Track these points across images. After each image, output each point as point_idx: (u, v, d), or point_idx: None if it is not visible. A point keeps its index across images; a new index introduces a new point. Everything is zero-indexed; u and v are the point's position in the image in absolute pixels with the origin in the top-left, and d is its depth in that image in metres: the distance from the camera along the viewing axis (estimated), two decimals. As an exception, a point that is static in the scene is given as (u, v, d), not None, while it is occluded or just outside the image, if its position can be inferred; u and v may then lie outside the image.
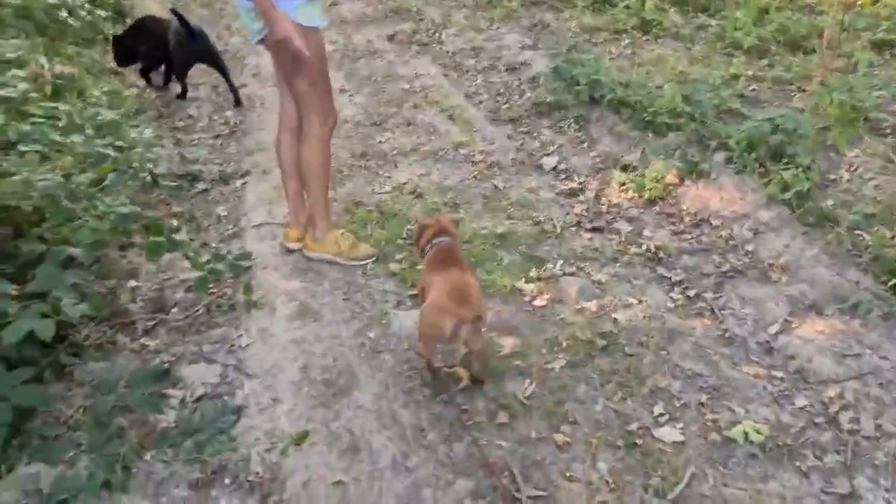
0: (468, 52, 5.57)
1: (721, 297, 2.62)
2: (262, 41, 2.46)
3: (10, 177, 2.28)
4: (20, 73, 3.70)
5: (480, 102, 4.69)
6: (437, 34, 6.00)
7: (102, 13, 5.60)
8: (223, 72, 4.72)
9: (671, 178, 3.33)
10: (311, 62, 2.45)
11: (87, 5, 5.66)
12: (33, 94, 3.33)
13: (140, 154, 3.44)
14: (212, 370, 2.25)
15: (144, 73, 4.89)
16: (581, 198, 3.40)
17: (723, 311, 2.53)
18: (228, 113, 4.61)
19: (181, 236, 3.06)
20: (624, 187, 3.41)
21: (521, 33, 5.87)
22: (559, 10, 6.27)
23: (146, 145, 3.63)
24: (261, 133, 4.23)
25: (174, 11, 4.64)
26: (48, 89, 3.71)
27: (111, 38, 4.80)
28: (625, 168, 3.60)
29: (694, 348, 2.35)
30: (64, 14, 5.25)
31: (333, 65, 5.21)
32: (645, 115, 3.88)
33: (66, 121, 3.24)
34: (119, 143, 3.40)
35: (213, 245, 3.04)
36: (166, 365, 2.23)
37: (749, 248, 2.86)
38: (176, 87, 4.94)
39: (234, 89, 4.73)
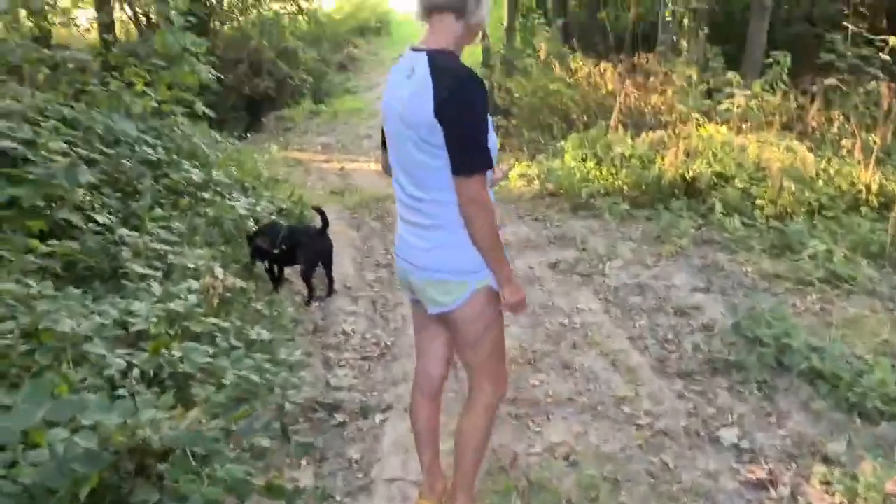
0: (633, 289, 5.21)
1: None
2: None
3: (145, 412, 2.10)
4: (195, 284, 3.76)
5: (646, 348, 4.23)
6: (600, 266, 5.73)
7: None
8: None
9: (892, 487, 2.63)
10: (499, 328, 2.24)
11: (273, 216, 6.00)
12: (198, 309, 3.32)
13: (285, 378, 3.27)
14: None
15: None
16: (772, 494, 2.75)
17: None
18: (381, 332, 4.45)
19: (306, 480, 2.75)
20: (828, 488, 2.74)
21: (691, 273, 5.46)
22: (733, 252, 5.85)
23: (293, 367, 3.48)
24: (408, 361, 3.98)
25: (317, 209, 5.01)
26: (215, 302, 3.73)
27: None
28: (826, 459, 2.93)
29: None
30: (251, 223, 5.55)
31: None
32: (849, 394, 3.24)
33: (221, 339, 3.16)
34: (267, 365, 3.26)
35: (339, 498, 2.69)
36: None
37: None
38: (336, 300, 4.93)
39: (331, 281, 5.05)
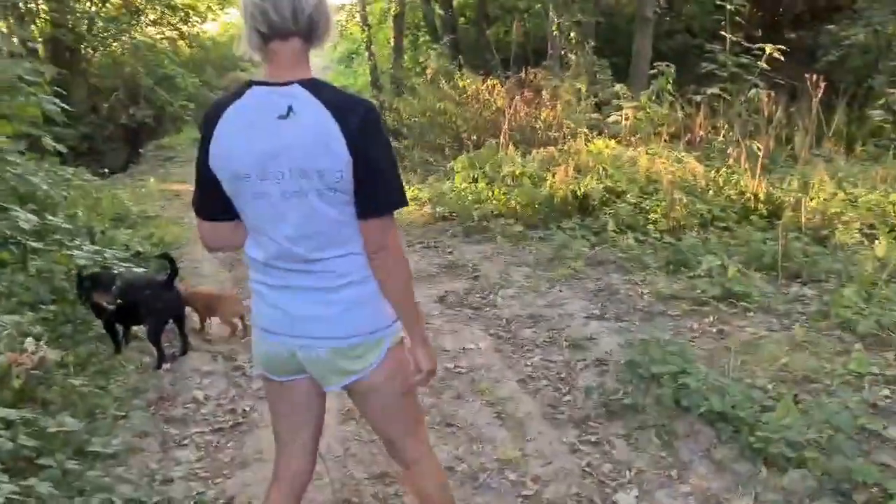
0: (525, 321, 4.80)
1: None
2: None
3: None
4: (-4, 358, 3.06)
5: (537, 391, 3.80)
6: (492, 296, 5.31)
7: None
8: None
9: (807, 555, 2.27)
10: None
11: (123, 265, 5.25)
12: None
13: (93, 479, 2.63)
14: None
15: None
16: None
17: None
18: (238, 396, 3.84)
19: None
20: (737, 562, 2.35)
21: (587, 298, 5.11)
22: (628, 272, 5.55)
23: (108, 460, 2.84)
24: (266, 431, 3.39)
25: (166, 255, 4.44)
26: (17, 383, 3.03)
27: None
28: (733, 522, 2.56)
29: None
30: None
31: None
32: (752, 438, 2.89)
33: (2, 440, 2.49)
34: (72, 463, 2.62)
35: None
36: None
37: None
38: (191, 359, 4.28)
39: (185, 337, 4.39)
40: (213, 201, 1.75)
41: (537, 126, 8.89)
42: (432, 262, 6.31)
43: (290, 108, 1.59)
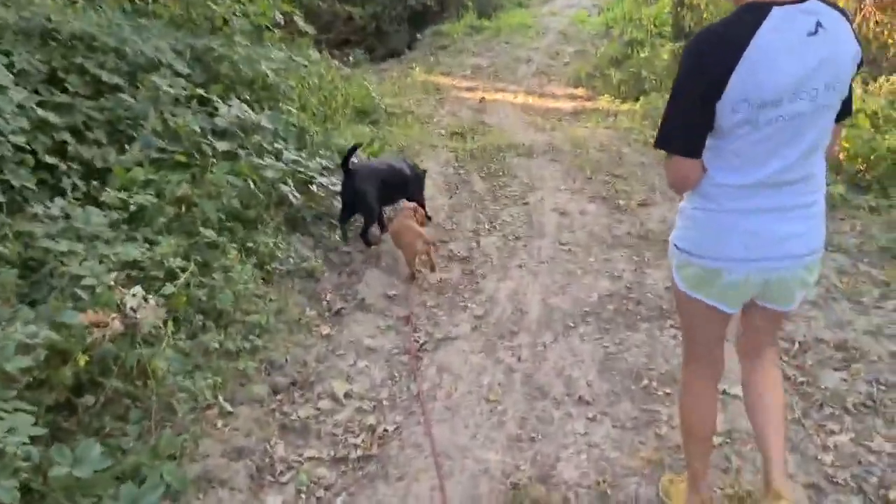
0: (829, 353, 3.00)
1: None
2: None
3: None
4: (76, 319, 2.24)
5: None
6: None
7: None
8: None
9: None
10: None
11: (320, 180, 4.32)
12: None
13: None
14: None
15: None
16: None
17: None
18: (389, 401, 2.71)
19: None
20: None
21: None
22: None
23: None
24: (393, 489, 2.23)
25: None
26: (82, 361, 2.17)
27: None
28: None
29: None
30: (287, 189, 3.98)
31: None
32: None
33: None
34: None
35: None
36: None
37: None
38: (357, 322, 3.25)
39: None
40: (703, 137, 1.64)
41: (889, 42, 6.24)
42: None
43: (818, 24, 1.53)
